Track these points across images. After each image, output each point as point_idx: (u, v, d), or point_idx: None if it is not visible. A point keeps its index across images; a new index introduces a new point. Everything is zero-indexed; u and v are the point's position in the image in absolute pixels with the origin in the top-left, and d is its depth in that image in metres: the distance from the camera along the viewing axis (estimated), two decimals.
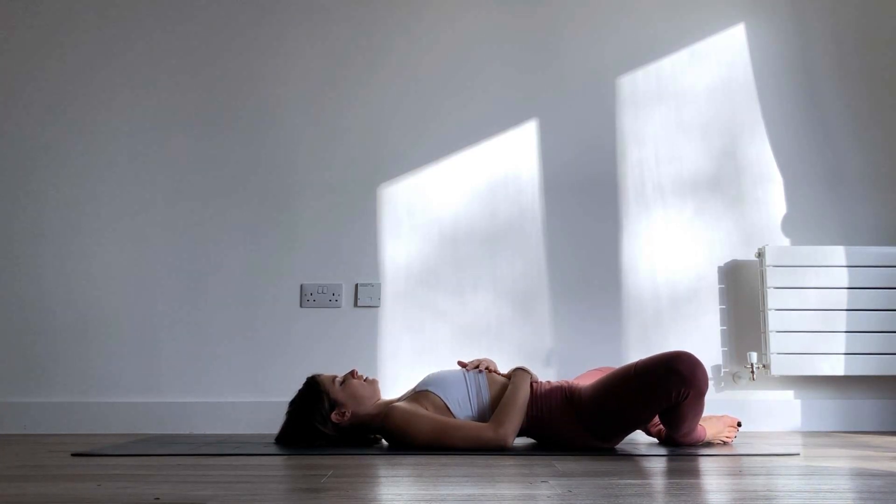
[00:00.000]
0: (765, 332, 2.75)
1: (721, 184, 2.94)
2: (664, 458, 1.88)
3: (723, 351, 2.83)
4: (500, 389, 2.13)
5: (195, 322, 2.81)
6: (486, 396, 2.11)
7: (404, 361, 2.80)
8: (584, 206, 2.92)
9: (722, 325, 2.85)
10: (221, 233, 2.87)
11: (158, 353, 2.79)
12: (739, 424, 2.24)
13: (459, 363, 2.25)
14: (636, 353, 2.78)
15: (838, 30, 3.04)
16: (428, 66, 3.00)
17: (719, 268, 2.89)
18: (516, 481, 1.48)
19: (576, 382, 2.15)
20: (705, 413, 2.08)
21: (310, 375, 2.18)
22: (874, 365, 2.70)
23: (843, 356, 2.70)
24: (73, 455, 1.94)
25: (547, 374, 2.75)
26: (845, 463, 1.80)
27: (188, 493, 1.34)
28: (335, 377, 2.15)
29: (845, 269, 2.75)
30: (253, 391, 2.77)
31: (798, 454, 1.97)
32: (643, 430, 2.27)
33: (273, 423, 2.25)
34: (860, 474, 1.60)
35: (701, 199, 2.93)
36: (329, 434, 2.09)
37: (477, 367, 2.19)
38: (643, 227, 2.91)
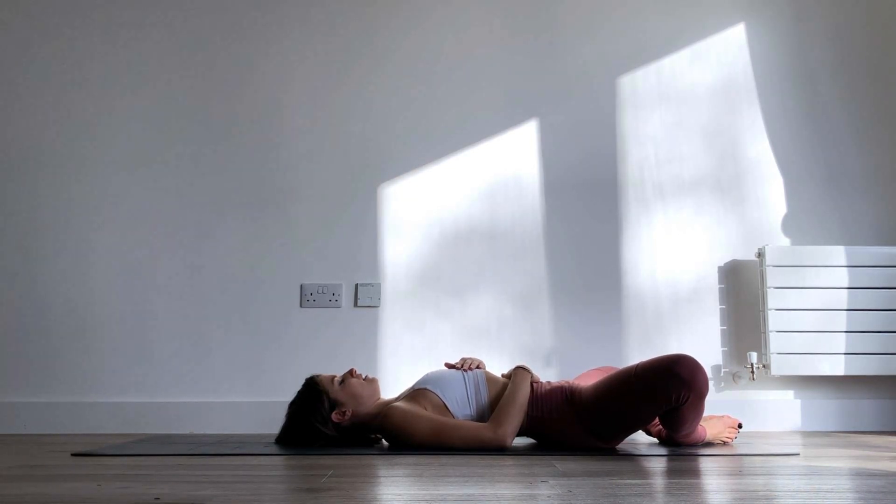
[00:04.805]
0: (765, 332, 2.75)
1: (721, 184, 2.94)
2: (664, 458, 1.88)
3: (723, 351, 2.83)
4: (499, 389, 2.12)
5: (195, 322, 2.81)
6: (485, 396, 2.11)
7: (404, 362, 2.80)
8: (585, 205, 2.92)
9: (722, 325, 2.85)
10: (221, 233, 2.87)
11: (158, 353, 2.79)
12: (740, 426, 2.24)
13: (447, 365, 2.24)
14: (636, 352, 2.78)
15: (838, 30, 3.04)
16: (428, 66, 3.00)
17: (719, 268, 2.89)
18: (516, 481, 1.48)
19: (576, 383, 2.14)
20: (706, 413, 2.08)
21: (309, 376, 2.19)
22: (874, 365, 2.70)
23: (843, 356, 2.70)
24: (73, 455, 1.94)
25: (547, 375, 2.75)
26: (845, 463, 1.80)
27: (188, 493, 1.34)
28: (334, 377, 2.15)
29: (845, 269, 2.75)
30: (253, 391, 2.77)
31: (798, 454, 1.97)
32: (643, 430, 2.27)
33: (273, 423, 2.25)
34: (860, 474, 1.60)
35: (701, 199, 2.93)
36: (329, 434, 2.09)
37: (462, 366, 2.19)
38: (643, 227, 2.91)
